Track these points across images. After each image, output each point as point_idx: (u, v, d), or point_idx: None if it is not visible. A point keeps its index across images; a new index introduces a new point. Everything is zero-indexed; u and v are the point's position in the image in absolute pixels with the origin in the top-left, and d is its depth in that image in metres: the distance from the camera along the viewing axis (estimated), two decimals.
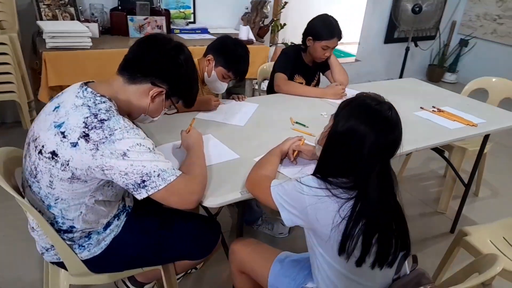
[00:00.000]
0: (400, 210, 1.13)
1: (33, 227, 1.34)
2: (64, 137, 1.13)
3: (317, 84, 2.59)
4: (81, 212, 1.24)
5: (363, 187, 1.07)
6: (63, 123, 1.14)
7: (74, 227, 1.27)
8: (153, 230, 1.43)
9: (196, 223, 1.54)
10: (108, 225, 1.35)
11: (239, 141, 1.68)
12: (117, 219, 1.37)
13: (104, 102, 1.18)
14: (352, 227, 1.05)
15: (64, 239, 1.28)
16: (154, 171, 1.15)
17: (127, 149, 1.13)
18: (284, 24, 4.45)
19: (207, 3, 3.78)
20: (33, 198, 1.24)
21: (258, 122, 1.91)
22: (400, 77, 4.85)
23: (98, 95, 1.19)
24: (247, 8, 4.02)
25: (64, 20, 3.00)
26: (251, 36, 3.53)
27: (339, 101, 1.36)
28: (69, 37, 2.60)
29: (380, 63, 5.46)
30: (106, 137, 1.12)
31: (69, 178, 1.15)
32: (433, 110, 2.19)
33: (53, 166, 1.15)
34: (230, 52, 1.96)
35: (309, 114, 2.02)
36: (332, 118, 1.19)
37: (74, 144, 1.12)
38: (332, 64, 2.43)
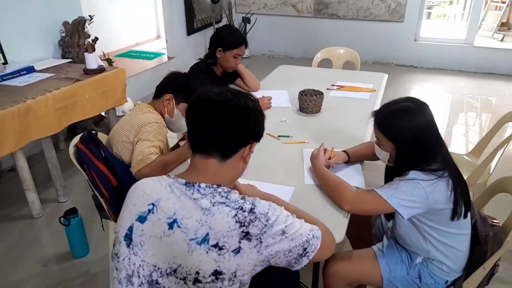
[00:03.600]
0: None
1: None
2: (220, 249, 0.95)
3: None
4: None
5: (448, 162, 1.36)
6: (207, 234, 0.95)
7: None
8: None
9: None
10: None
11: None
12: None
13: (229, 191, 1.03)
14: (455, 194, 1.34)
15: None
16: (308, 234, 1.09)
17: (285, 226, 1.05)
18: (96, 38, 4.06)
19: (11, 37, 3.02)
20: None
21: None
22: None
23: (215, 186, 1.02)
24: (62, 31, 3.47)
25: None
26: (100, 62, 3.13)
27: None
28: None
29: (190, 56, 5.64)
30: (265, 225, 1.00)
31: None
32: (337, 88, 2.61)
33: (219, 286, 0.97)
34: (186, 85, 1.86)
35: (272, 125, 2.11)
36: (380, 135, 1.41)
37: (237, 251, 0.96)
38: (242, 72, 2.53)
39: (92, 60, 3.00)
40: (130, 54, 5.48)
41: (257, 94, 2.44)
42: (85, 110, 2.80)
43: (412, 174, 1.35)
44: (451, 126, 3.98)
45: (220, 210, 0.96)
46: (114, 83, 3.07)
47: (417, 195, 1.33)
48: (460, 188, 1.35)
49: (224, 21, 6.17)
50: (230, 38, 2.32)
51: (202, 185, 1.00)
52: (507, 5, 6.26)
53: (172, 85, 1.85)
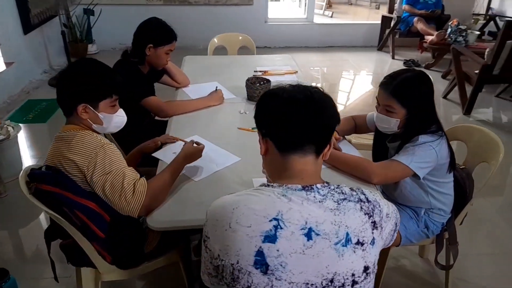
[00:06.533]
0: None
1: None
2: (362, 244, 0.93)
3: None
4: None
5: (440, 123, 1.59)
6: (347, 234, 0.92)
7: None
8: None
9: None
10: None
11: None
12: None
13: (338, 186, 1.00)
14: (450, 149, 1.58)
15: None
16: (389, 208, 1.08)
17: (386, 207, 1.06)
18: None
19: None
20: None
21: (233, 145, 1.74)
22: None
23: (325, 184, 0.98)
24: None
25: None
26: None
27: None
28: None
29: (33, 58, 4.76)
30: (380, 211, 1.00)
31: None
32: (262, 73, 2.62)
33: (369, 281, 0.95)
34: (96, 84, 1.41)
35: (234, 118, 2.02)
36: (386, 96, 1.53)
37: (373, 242, 0.96)
38: (170, 69, 2.30)
39: None
40: None
41: (211, 87, 2.27)
42: None
43: (422, 138, 1.51)
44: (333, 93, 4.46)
45: (346, 207, 0.93)
46: None
47: (430, 156, 1.50)
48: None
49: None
50: (161, 33, 2.08)
51: (318, 185, 0.95)
52: None
53: (76, 92, 1.38)
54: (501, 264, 2.19)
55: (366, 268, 0.93)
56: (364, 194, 0.98)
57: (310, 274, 0.88)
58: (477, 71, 3.79)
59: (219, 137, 1.79)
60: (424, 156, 1.50)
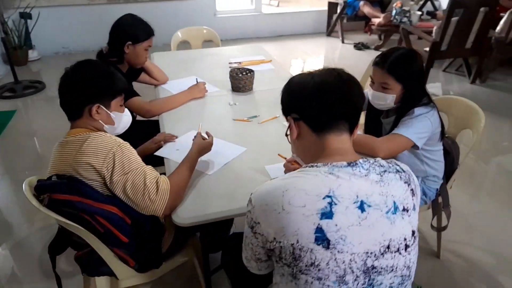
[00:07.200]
0: None
1: None
2: (407, 211, 0.99)
3: None
4: None
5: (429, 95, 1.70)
6: (394, 203, 0.97)
7: None
8: None
9: None
10: None
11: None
12: None
13: (375, 159, 1.05)
14: (440, 118, 1.69)
15: None
16: None
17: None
18: None
19: None
20: None
21: (234, 137, 1.74)
22: None
23: (365, 158, 1.03)
24: None
25: None
26: None
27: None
28: None
29: None
30: (414, 179, 1.07)
31: None
32: (238, 64, 2.62)
33: (416, 244, 1.01)
34: (107, 84, 1.39)
35: (225, 110, 2.01)
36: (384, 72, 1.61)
37: (414, 208, 1.02)
38: (148, 66, 2.24)
39: None
40: None
41: (191, 81, 2.23)
42: None
43: (417, 111, 1.61)
44: None
45: (389, 178, 0.98)
46: None
47: (426, 126, 1.61)
48: None
49: None
50: (138, 29, 2.02)
51: (361, 161, 0.99)
52: None
53: (89, 92, 1.34)
54: (486, 220, 2.39)
55: (413, 232, 0.99)
56: (398, 165, 1.04)
57: (369, 243, 0.92)
58: (426, 49, 4.04)
59: (218, 131, 1.77)
60: (421, 127, 1.60)
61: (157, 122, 1.99)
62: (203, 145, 1.51)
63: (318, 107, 1.02)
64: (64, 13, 5.44)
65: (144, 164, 1.34)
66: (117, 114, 1.41)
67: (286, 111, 1.10)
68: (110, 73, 1.39)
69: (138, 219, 1.33)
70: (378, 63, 1.63)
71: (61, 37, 5.58)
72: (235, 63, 2.64)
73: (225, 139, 1.73)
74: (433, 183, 1.82)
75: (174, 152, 1.62)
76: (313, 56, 5.52)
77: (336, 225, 0.90)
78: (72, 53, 5.68)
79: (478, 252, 2.15)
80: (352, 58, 5.34)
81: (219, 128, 1.82)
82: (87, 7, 5.50)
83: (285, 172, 1.40)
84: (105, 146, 1.27)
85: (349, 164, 0.97)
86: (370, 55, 5.12)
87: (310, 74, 1.07)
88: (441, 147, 1.80)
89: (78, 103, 1.33)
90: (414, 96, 1.63)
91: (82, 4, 5.47)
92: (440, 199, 1.88)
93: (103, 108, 1.35)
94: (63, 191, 1.24)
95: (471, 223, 2.37)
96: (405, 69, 1.60)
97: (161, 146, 1.70)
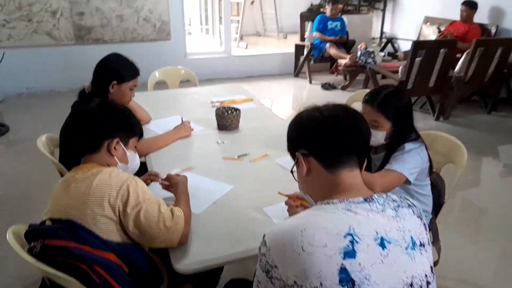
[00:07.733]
0: None
1: None
2: (424, 245, 0.98)
3: None
4: None
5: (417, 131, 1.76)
6: (411, 238, 0.96)
7: None
8: None
9: None
10: None
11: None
12: None
13: (387, 194, 1.05)
14: (428, 153, 1.74)
15: None
16: None
17: None
18: None
19: None
20: None
21: (223, 175, 1.72)
22: None
23: (378, 194, 1.03)
24: None
25: None
26: None
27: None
28: None
29: None
30: (422, 213, 1.08)
31: None
32: (220, 103, 2.62)
33: (435, 280, 1.00)
34: (125, 121, 1.42)
35: (214, 149, 1.98)
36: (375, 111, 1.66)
37: (429, 242, 1.02)
38: (132, 105, 2.18)
39: None
40: None
41: (175, 120, 2.19)
42: None
43: (407, 146, 1.66)
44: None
45: (404, 213, 0.98)
46: None
47: (417, 162, 1.65)
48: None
49: None
50: (124, 69, 2.00)
51: (375, 196, 0.99)
52: (241, 19, 7.50)
53: (114, 126, 1.35)
54: (474, 251, 2.43)
55: (431, 268, 0.97)
56: (407, 199, 1.04)
57: (393, 281, 0.89)
58: None
59: (209, 170, 1.74)
60: (412, 163, 1.64)
61: (144, 163, 1.92)
62: (185, 183, 1.51)
63: (329, 141, 1.02)
64: (30, 54, 5.30)
65: (152, 195, 1.30)
66: (132, 153, 1.42)
67: (294, 147, 1.09)
68: (131, 112, 1.45)
69: (134, 265, 1.25)
70: (368, 101, 1.68)
71: (26, 78, 5.39)
72: (217, 102, 2.64)
73: (217, 178, 1.69)
74: (424, 218, 1.84)
75: (160, 191, 1.57)
76: (283, 95, 5.64)
77: (360, 264, 0.87)
78: (37, 94, 5.48)
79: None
80: (320, 97, 5.50)
81: (210, 168, 1.79)
82: (54, 48, 5.40)
83: (288, 210, 1.37)
84: (119, 178, 1.24)
85: (365, 200, 0.96)
86: (337, 95, 5.31)
87: (318, 109, 1.07)
88: (429, 182, 1.84)
89: (100, 135, 1.32)
90: (404, 132, 1.68)
91: (48, 45, 5.36)
92: (430, 234, 1.90)
93: (121, 144, 1.35)
94: (59, 236, 1.15)
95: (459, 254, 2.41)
96: (394, 107, 1.66)
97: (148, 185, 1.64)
